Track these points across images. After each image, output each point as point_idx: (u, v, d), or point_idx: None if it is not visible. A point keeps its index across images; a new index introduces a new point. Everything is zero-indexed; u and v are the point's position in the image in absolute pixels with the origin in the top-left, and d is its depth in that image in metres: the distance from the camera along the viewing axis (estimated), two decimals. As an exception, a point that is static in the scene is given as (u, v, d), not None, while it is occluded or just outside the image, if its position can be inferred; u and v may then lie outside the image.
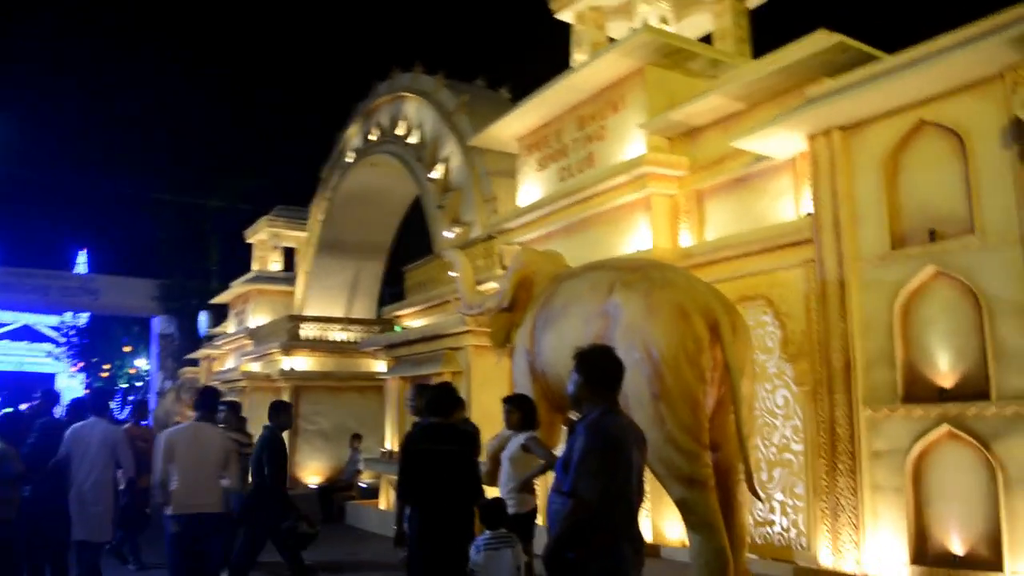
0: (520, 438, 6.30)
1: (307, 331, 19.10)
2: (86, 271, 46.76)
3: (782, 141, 7.29)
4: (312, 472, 17.84)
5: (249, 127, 30.75)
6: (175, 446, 6.02)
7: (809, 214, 7.19)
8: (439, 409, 5.39)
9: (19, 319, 57.10)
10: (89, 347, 49.68)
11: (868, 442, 6.51)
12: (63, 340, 52.17)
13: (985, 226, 5.92)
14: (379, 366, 18.46)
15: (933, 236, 6.30)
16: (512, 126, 10.82)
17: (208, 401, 6.52)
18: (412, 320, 13.30)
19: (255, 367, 20.02)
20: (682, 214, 8.67)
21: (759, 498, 5.69)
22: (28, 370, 60.26)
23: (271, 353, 19.20)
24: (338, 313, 20.59)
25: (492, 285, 10.07)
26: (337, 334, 19.51)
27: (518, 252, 8.30)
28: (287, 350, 18.61)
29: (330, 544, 10.02)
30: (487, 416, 8.44)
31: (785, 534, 7.32)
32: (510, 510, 6.17)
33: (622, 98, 9.19)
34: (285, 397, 18.17)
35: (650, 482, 7.91)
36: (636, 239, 8.75)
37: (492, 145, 11.55)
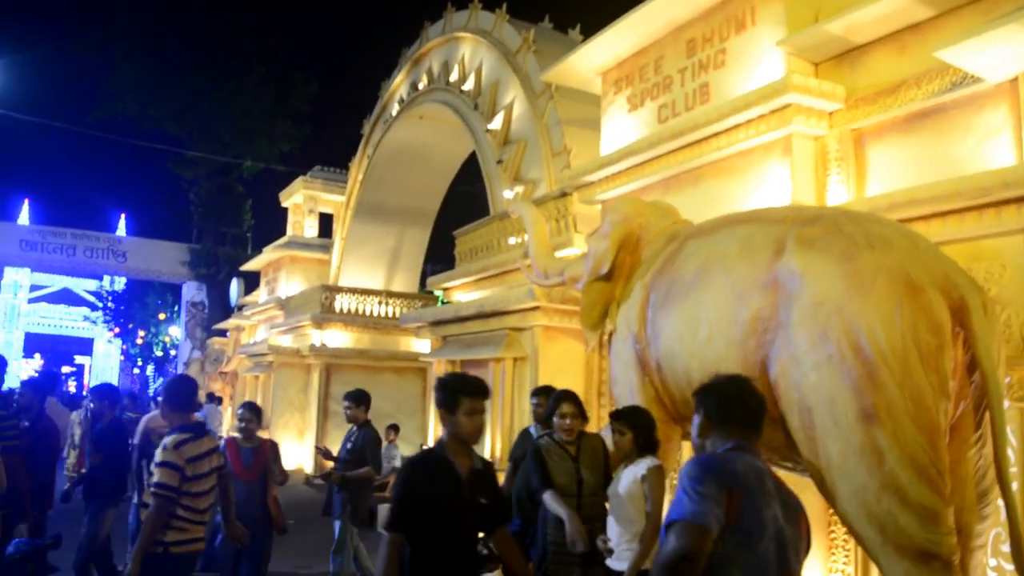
0: (640, 467, 4.37)
1: (342, 303, 17.33)
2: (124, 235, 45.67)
3: (1009, 52, 5.12)
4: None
5: (289, 81, 28.78)
6: None
7: (1047, 156, 5.03)
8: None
9: (57, 282, 56.48)
10: (125, 313, 48.93)
11: None
12: (100, 305, 51.53)
13: None
14: (419, 345, 16.58)
15: None
16: (595, 56, 8.71)
17: None
18: (463, 293, 11.31)
19: (284, 341, 18.30)
20: (832, 161, 6.54)
21: (1030, 585, 3.61)
22: (66, 334, 59.97)
23: (302, 326, 17.46)
24: (377, 285, 18.74)
25: (571, 252, 8.07)
26: (375, 308, 17.69)
27: (616, 202, 6.25)
28: (319, 323, 16.84)
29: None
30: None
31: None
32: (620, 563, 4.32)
33: (751, 10, 7.05)
34: (315, 375, 16.42)
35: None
36: (766, 194, 6.63)
37: (568, 82, 9.45)
